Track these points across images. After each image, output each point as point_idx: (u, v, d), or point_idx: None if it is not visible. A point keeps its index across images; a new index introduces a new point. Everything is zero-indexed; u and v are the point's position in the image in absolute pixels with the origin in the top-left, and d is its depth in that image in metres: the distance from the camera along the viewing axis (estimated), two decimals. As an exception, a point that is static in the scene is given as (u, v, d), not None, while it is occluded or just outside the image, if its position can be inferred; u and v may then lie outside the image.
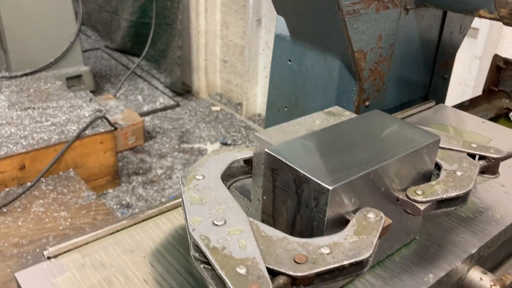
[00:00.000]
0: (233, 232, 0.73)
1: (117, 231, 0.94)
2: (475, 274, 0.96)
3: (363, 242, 0.72)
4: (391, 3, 1.37)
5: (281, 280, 0.67)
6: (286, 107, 1.61)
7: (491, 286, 0.94)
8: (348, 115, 0.98)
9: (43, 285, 0.82)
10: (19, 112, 3.46)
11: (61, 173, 3.22)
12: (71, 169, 3.24)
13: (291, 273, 0.67)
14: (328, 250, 0.70)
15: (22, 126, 3.30)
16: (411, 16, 1.46)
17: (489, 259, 1.05)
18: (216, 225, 0.74)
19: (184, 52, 4.38)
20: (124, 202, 3.37)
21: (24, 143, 3.14)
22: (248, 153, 0.93)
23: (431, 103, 1.53)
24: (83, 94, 4.10)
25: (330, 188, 0.72)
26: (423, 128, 0.97)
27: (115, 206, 3.32)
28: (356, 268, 0.71)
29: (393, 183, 0.84)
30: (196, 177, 0.85)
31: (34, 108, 3.53)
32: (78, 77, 4.26)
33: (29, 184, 3.06)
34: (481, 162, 0.97)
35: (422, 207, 0.83)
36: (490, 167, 0.97)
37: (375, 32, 1.37)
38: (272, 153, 0.80)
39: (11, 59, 3.95)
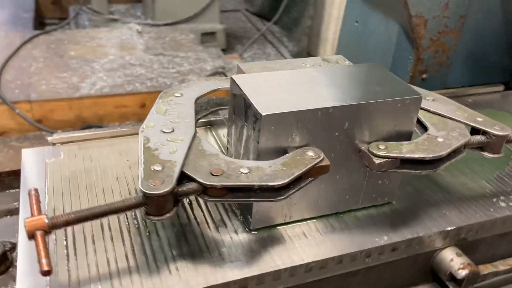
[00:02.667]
0: (173, 139, 0.78)
1: (117, 136, 1.05)
2: (448, 254, 0.90)
3: (284, 172, 0.73)
4: (464, -30, 1.27)
5: (191, 185, 0.72)
6: (347, 70, 1.58)
7: (458, 268, 0.87)
8: (347, 64, 0.96)
9: (38, 162, 0.96)
10: (151, 57, 3.80)
11: (175, 116, 3.50)
12: (183, 114, 3.50)
13: (201, 181, 0.71)
14: (246, 171, 0.73)
15: (151, 69, 3.63)
16: (492, -12, 1.33)
17: (483, 248, 0.96)
18: (164, 132, 0.80)
19: (315, 23, 4.39)
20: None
21: (148, 84, 3.47)
22: (237, 85, 0.97)
23: (498, 87, 1.38)
24: (213, 51, 4.35)
25: (263, 114, 0.74)
26: (422, 89, 0.92)
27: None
28: (270, 194, 0.73)
29: (359, 133, 0.82)
30: (175, 94, 0.91)
31: (164, 55, 3.85)
32: (212, 34, 4.51)
33: (145, 121, 3.39)
34: (479, 137, 0.89)
35: (377, 161, 0.80)
36: (490, 144, 0.89)
37: None
38: (234, 79, 0.83)
39: (157, 8, 4.32)
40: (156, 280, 0.74)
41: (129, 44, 3.92)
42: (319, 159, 0.76)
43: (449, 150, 0.81)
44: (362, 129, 0.82)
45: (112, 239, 0.81)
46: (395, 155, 0.80)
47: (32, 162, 0.96)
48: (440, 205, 0.94)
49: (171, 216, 0.70)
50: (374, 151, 0.80)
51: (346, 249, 0.83)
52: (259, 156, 0.77)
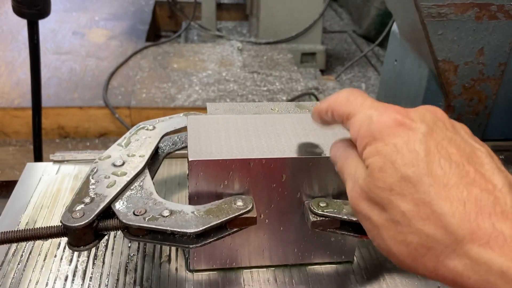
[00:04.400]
0: (118, 173, 0.82)
1: (112, 159, 1.12)
2: (402, 328, 0.82)
3: (201, 220, 0.73)
4: (504, 13, 1.15)
5: (113, 222, 0.75)
6: (385, 110, 1.51)
7: None
8: (318, 112, 0.92)
9: (34, 176, 1.06)
10: (246, 74, 3.92)
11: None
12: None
13: (120, 218, 0.74)
14: (167, 214, 0.74)
15: (244, 86, 3.75)
16: (542, 35, 1.19)
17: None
18: (114, 165, 0.84)
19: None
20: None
21: (238, 100, 3.58)
22: (214, 123, 0.98)
23: (542, 144, 1.23)
24: (311, 71, 4.39)
25: (190, 159, 0.75)
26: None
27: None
28: (187, 240, 0.74)
29: (301, 187, 0.79)
30: (148, 127, 0.95)
31: (259, 73, 3.94)
32: (312, 54, 4.53)
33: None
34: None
35: (313, 218, 0.76)
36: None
37: (473, 44, 1.18)
38: (188, 121, 0.85)
39: (261, 27, 4.44)
40: (81, 305, 0.78)
41: (228, 60, 4.08)
42: (245, 210, 0.75)
43: (394, 217, 0.75)
44: (304, 183, 0.79)
45: (62, 258, 0.87)
46: (331, 214, 0.76)
47: (29, 175, 1.06)
48: (407, 272, 0.87)
49: (90, 248, 0.74)
50: (312, 208, 0.77)
51: (279, 304, 0.80)
52: (190, 200, 0.78)
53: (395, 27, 1.44)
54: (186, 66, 3.95)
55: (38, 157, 1.72)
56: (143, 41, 4.25)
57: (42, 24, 1.57)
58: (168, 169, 1.11)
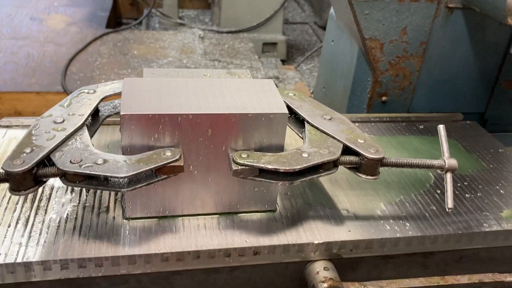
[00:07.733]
0: (58, 129, 0.89)
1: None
2: (317, 266, 0.92)
3: (132, 166, 0.81)
4: (423, -5, 1.26)
5: (51, 169, 0.82)
6: (324, 87, 1.62)
7: (320, 281, 0.90)
8: (247, 78, 1.02)
9: (-18, 139, 1.12)
10: (207, 61, 3.98)
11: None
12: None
13: (58, 165, 0.81)
14: (101, 162, 0.82)
15: (204, 72, 3.81)
16: (458, 17, 1.31)
17: (364, 268, 0.97)
18: (54, 122, 0.91)
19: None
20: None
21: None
22: (152, 88, 1.06)
23: (458, 116, 1.35)
24: (272, 60, 4.49)
25: (121, 113, 0.83)
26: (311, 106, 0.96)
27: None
28: (120, 185, 0.82)
29: (226, 141, 0.88)
30: (89, 91, 1.02)
31: (220, 61, 4.02)
32: (273, 44, 4.62)
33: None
34: (352, 157, 0.91)
35: (235, 167, 0.85)
36: (363, 166, 0.90)
37: (397, 24, 1.29)
38: (124, 82, 0.92)
39: (222, 16, 4.51)
40: (22, 248, 0.85)
41: (189, 48, 4.14)
42: (173, 159, 0.83)
43: (305, 165, 0.85)
44: (228, 137, 0.88)
45: (6, 208, 0.94)
46: (251, 163, 0.85)
47: (-23, 139, 1.12)
48: (323, 219, 0.97)
49: (30, 192, 0.81)
50: (235, 158, 0.86)
51: (205, 246, 0.89)
52: (123, 152, 0.86)
53: (332, 10, 1.54)
54: (146, 53, 3.98)
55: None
56: (103, 28, 4.25)
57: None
58: (112, 135, 1.18)
